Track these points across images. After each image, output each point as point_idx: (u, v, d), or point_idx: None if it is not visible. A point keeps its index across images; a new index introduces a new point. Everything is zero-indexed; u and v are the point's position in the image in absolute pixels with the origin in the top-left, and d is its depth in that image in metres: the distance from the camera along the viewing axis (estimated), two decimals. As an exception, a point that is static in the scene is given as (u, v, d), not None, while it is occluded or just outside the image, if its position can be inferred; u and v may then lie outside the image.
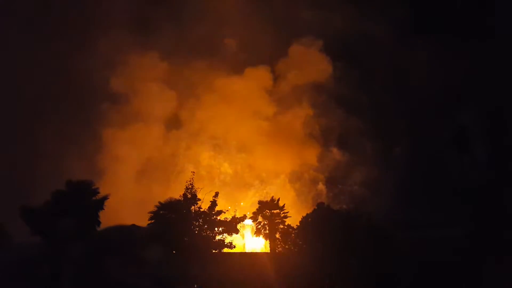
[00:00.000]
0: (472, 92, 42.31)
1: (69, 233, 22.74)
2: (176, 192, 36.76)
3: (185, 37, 47.26)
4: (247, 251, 39.45)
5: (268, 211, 34.57)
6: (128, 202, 42.65)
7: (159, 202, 30.81)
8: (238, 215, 33.10)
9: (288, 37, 48.37)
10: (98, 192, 28.73)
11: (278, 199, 35.37)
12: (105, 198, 28.70)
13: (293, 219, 35.03)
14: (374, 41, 46.67)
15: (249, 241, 40.31)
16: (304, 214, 34.49)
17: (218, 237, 30.65)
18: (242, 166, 46.33)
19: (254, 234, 35.17)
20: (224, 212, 30.95)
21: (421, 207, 39.26)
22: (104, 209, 28.80)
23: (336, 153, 46.98)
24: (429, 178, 41.45)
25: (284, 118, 47.87)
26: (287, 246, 32.16)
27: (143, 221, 35.79)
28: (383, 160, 44.40)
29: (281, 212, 34.61)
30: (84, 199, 28.16)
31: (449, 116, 42.82)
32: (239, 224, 31.89)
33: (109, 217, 32.04)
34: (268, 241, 35.14)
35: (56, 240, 24.73)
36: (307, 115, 47.77)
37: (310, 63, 48.39)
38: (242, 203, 43.51)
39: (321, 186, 46.43)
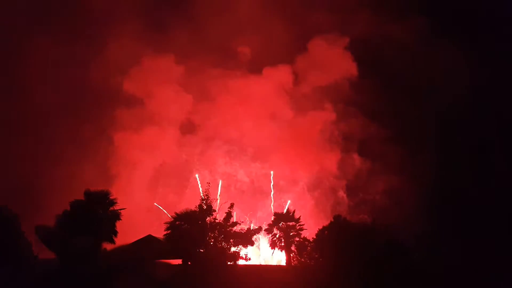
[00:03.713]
0: (497, 99, 42.93)
1: (81, 251, 25.24)
2: (190, 200, 38.64)
3: (201, 39, 48.54)
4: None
5: (283, 223, 36.25)
6: (141, 209, 44.80)
7: (175, 213, 32.92)
8: (254, 226, 35.22)
9: (310, 35, 49.08)
10: (116, 203, 31.30)
11: (294, 211, 37.08)
12: (122, 209, 31.32)
13: (311, 230, 36.65)
14: (397, 46, 47.29)
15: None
16: (323, 224, 35.98)
17: (233, 249, 32.67)
18: (258, 173, 47.00)
19: (269, 246, 36.53)
20: (240, 224, 32.88)
21: (443, 219, 40.35)
22: (121, 219, 31.34)
23: (357, 160, 47.38)
24: (453, 189, 42.36)
25: (303, 121, 48.19)
26: (302, 259, 33.77)
27: (156, 229, 38.10)
28: (406, 169, 44.85)
29: (297, 225, 36.32)
30: (102, 209, 30.80)
31: (474, 125, 43.59)
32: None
33: (123, 225, 34.18)
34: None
35: (69, 258, 26.84)
36: (327, 119, 48.05)
37: (333, 63, 48.79)
38: (258, 214, 44.48)
39: (341, 194, 47.01)
